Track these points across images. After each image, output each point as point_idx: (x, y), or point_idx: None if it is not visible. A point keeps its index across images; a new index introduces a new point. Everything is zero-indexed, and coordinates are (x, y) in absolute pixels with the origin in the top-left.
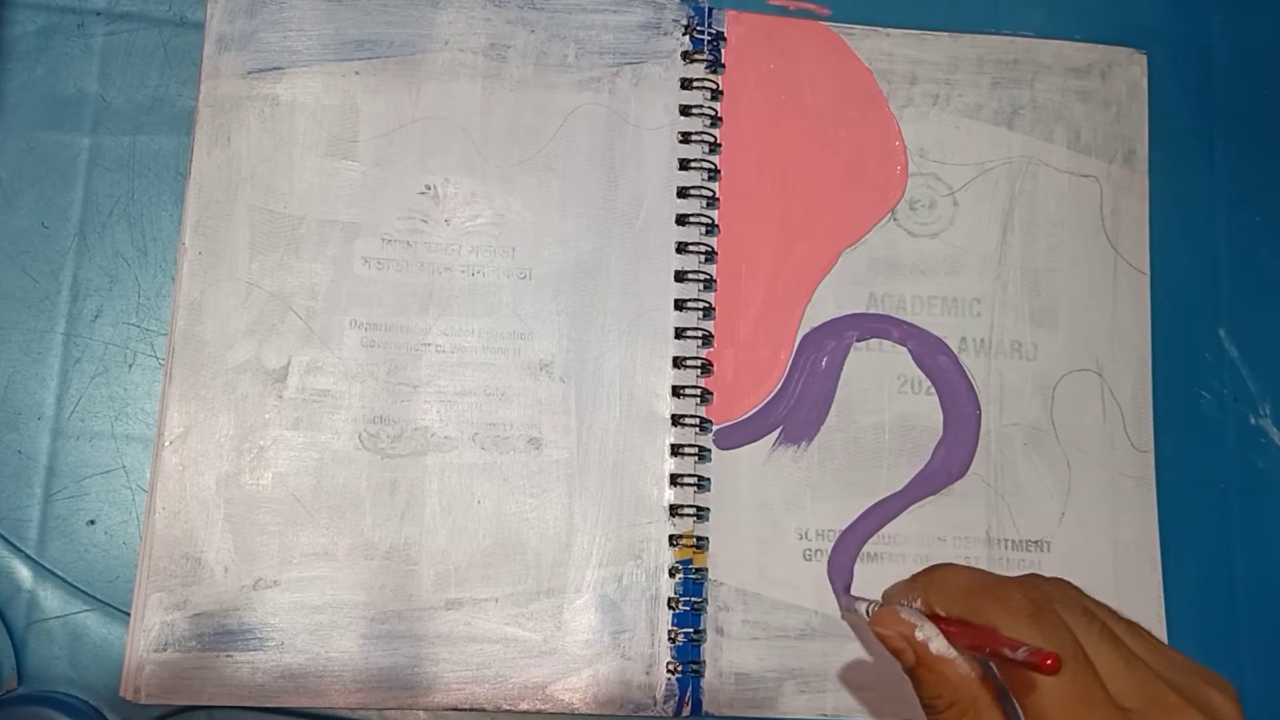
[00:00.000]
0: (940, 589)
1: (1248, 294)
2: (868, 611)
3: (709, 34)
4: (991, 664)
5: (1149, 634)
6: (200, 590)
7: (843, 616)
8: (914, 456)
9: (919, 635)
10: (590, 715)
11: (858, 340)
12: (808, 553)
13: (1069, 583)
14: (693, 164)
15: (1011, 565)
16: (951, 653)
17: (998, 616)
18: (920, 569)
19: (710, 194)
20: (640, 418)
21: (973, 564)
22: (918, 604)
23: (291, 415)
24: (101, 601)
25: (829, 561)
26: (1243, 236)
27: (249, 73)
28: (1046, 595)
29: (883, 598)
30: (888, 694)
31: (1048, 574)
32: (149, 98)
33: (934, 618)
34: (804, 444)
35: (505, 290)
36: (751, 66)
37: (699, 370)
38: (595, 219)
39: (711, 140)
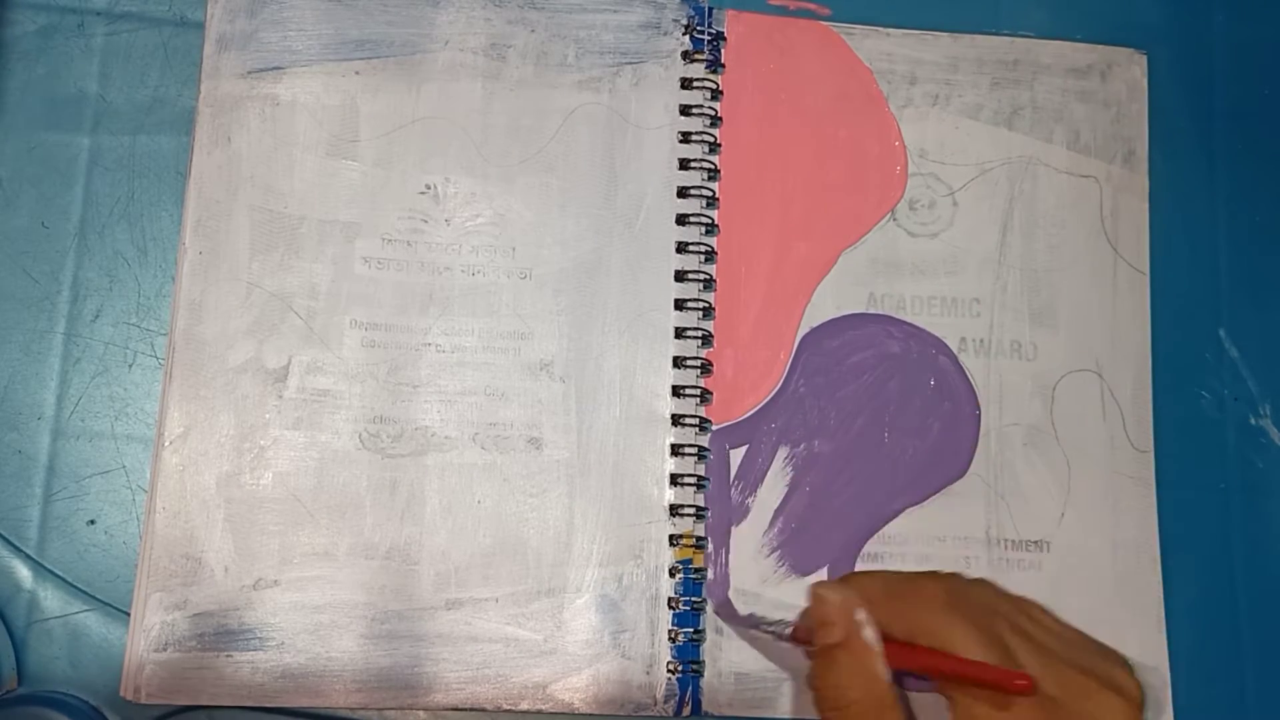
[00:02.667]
0: (860, 597)
1: (1248, 294)
2: (775, 629)
3: (709, 34)
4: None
5: (1047, 614)
6: (200, 590)
7: (743, 633)
8: (913, 456)
9: (858, 615)
10: (590, 715)
11: (858, 340)
12: None
13: (982, 580)
14: (693, 164)
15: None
16: (878, 647)
17: (917, 610)
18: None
19: (710, 194)
20: (640, 418)
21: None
22: (840, 613)
23: (292, 415)
24: (101, 601)
25: (830, 563)
26: (1243, 236)
27: (249, 73)
28: (959, 589)
29: (801, 623)
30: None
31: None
32: (149, 98)
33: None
34: (804, 444)
35: (505, 290)
36: (751, 66)
37: (699, 370)
38: (595, 219)
39: (711, 140)
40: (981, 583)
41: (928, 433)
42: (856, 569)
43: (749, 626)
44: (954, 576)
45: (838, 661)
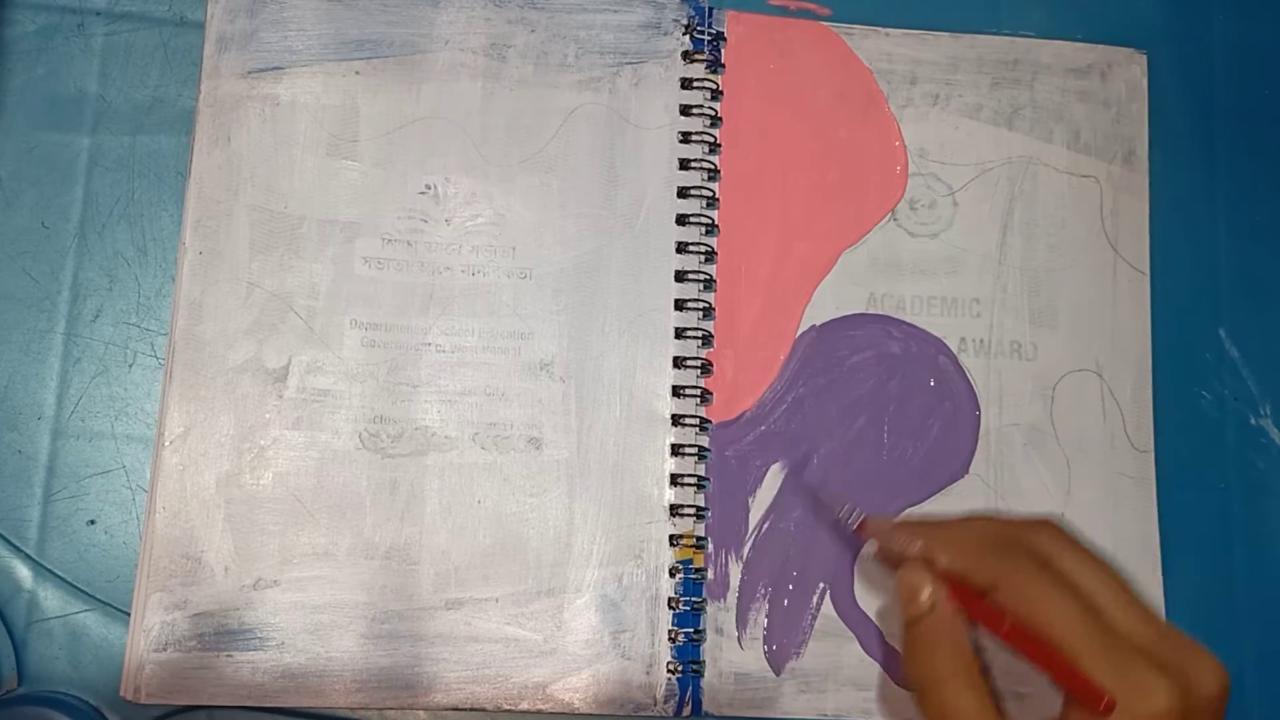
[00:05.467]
0: (945, 542)
1: (1248, 294)
2: (851, 519)
3: (709, 34)
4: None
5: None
6: (200, 590)
7: (809, 500)
8: (913, 456)
9: (940, 592)
10: (590, 715)
11: (858, 341)
12: None
13: (1061, 529)
14: (693, 164)
15: None
16: (962, 621)
17: (1007, 573)
18: (916, 517)
19: (710, 194)
20: (640, 418)
21: None
22: (916, 545)
23: (292, 415)
24: (101, 601)
25: (830, 563)
26: (1243, 236)
27: (249, 72)
28: (1050, 552)
29: (870, 529)
30: (888, 694)
31: None
32: (149, 98)
33: (960, 589)
34: (804, 444)
35: (505, 290)
36: (751, 66)
37: (699, 370)
38: (595, 219)
39: (711, 140)
40: (1057, 532)
41: (928, 433)
42: (856, 569)
43: (813, 497)
44: (1041, 536)
45: (924, 635)
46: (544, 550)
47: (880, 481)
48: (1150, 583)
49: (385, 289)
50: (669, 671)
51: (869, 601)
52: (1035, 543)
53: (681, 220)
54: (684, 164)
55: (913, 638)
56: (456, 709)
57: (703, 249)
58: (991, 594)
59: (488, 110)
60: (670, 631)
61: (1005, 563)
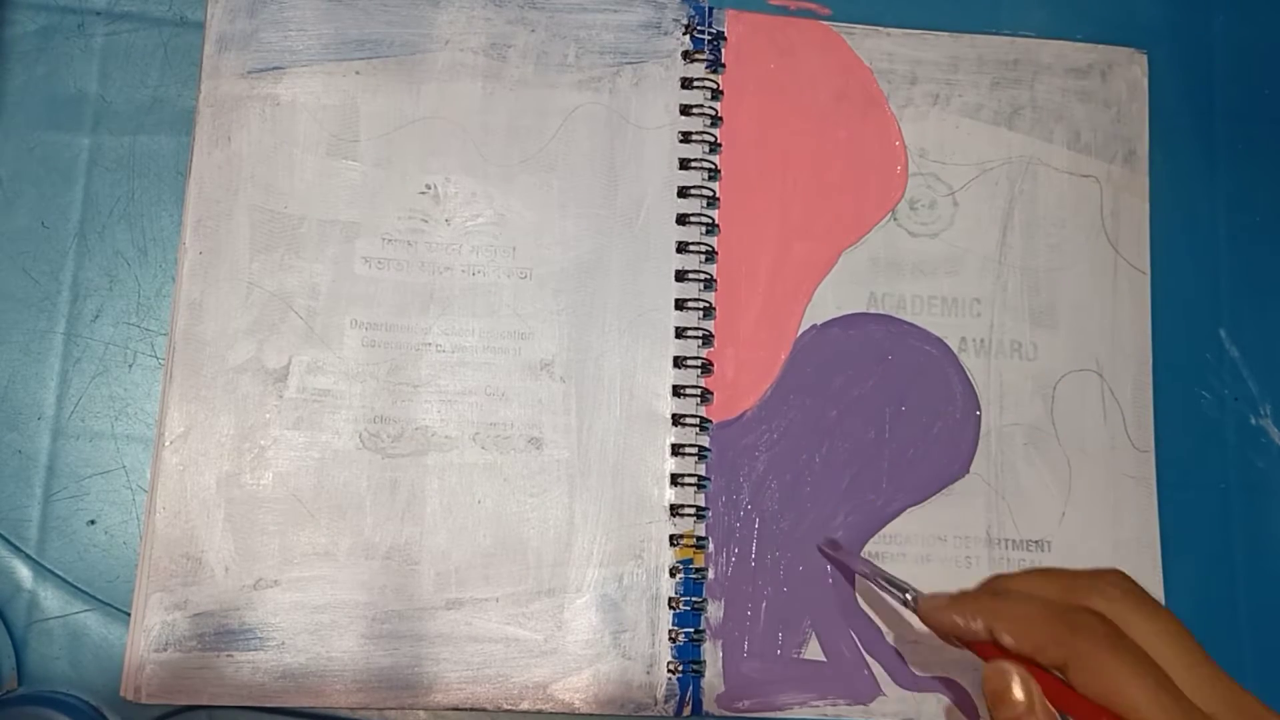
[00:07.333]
0: (1009, 620)
1: (1248, 294)
2: (911, 602)
3: (709, 33)
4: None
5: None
6: (200, 590)
7: (851, 568)
8: (914, 456)
9: (1032, 691)
10: (591, 715)
11: (858, 340)
12: None
13: (1131, 581)
14: (693, 164)
15: (1011, 565)
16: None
17: (1080, 650)
18: (980, 583)
19: (710, 194)
20: (640, 417)
21: (973, 564)
22: (978, 624)
23: (292, 415)
24: (101, 601)
25: (831, 563)
26: (1243, 236)
27: (249, 72)
28: (1120, 613)
29: (925, 607)
30: (888, 694)
31: None
32: (149, 98)
33: (1034, 669)
34: (804, 444)
35: (505, 290)
36: (752, 66)
37: (699, 370)
38: (595, 219)
39: (712, 140)
40: (1126, 583)
41: (928, 433)
42: (859, 568)
43: (865, 573)
44: (1105, 592)
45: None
46: (544, 550)
47: (880, 481)
48: (1150, 583)
49: (385, 289)
50: (669, 671)
51: (874, 611)
52: (1105, 605)
53: (682, 220)
54: (684, 164)
55: None
56: (456, 709)
57: (703, 248)
58: (1064, 673)
59: (488, 110)
60: (670, 631)
61: (1077, 636)
